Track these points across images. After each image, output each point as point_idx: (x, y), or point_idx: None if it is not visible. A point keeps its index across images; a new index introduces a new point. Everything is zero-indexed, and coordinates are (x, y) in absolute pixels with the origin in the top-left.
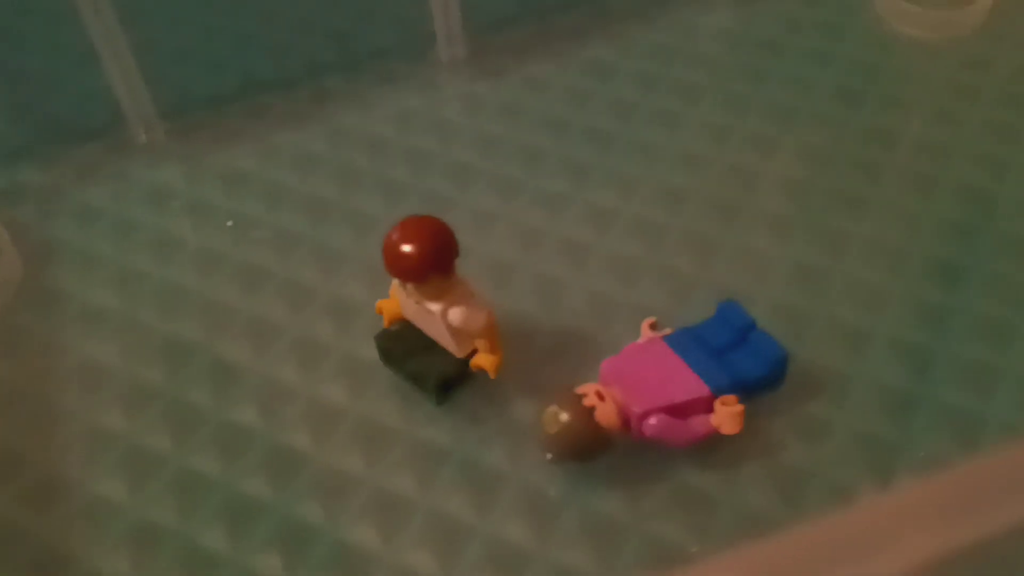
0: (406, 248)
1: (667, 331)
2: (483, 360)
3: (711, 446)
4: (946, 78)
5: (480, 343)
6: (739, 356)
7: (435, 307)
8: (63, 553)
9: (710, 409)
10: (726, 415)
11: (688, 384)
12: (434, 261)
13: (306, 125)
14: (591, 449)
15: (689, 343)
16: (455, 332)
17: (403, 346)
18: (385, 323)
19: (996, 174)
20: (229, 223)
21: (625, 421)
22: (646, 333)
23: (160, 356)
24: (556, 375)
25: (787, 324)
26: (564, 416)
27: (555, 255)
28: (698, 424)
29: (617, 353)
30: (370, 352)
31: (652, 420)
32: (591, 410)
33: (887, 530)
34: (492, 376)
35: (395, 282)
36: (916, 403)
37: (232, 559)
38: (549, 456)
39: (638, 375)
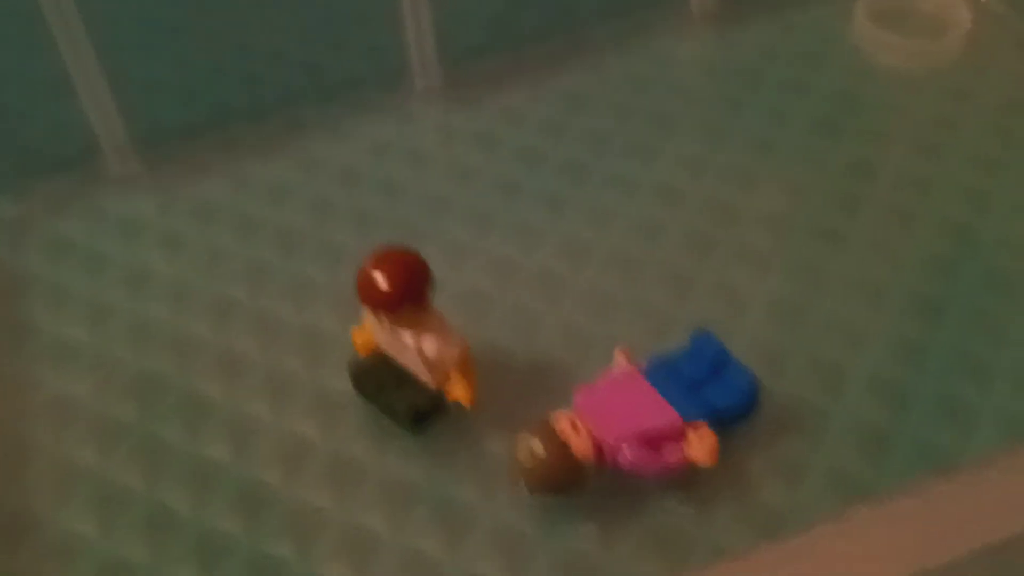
0: (380, 279)
1: (641, 362)
2: (458, 391)
3: (687, 480)
4: (926, 109)
5: (454, 374)
6: (712, 386)
7: (408, 337)
8: None
9: (683, 438)
10: (701, 447)
11: (661, 413)
12: (408, 292)
13: (279, 156)
14: (566, 483)
15: (663, 373)
16: (429, 363)
17: (377, 377)
18: (360, 352)
19: (978, 207)
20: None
21: (599, 451)
22: (620, 361)
23: (131, 391)
24: (531, 408)
25: (764, 359)
26: (538, 449)
27: (530, 288)
28: (672, 454)
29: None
30: (342, 385)
31: (626, 450)
32: (566, 443)
33: (847, 554)
34: (467, 406)
35: (369, 313)
36: (894, 439)
37: None
38: (521, 485)
39: (612, 404)
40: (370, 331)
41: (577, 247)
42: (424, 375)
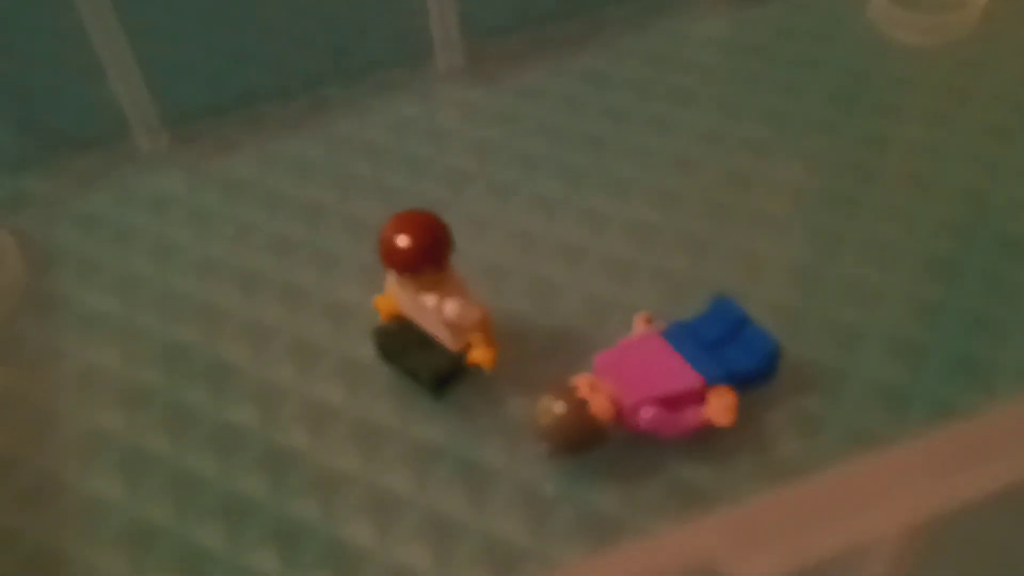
0: (401, 239)
1: (661, 325)
2: (479, 354)
3: (706, 439)
4: (939, 82)
5: (475, 337)
6: (732, 349)
7: (430, 300)
8: (59, 551)
9: (703, 400)
10: (719, 406)
11: (681, 375)
12: (428, 253)
13: (304, 133)
14: (585, 441)
15: (683, 336)
16: (450, 325)
17: (400, 341)
18: (382, 319)
19: (989, 174)
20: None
21: (619, 412)
22: (639, 327)
23: (158, 358)
24: (551, 372)
25: (782, 322)
26: (558, 408)
27: (550, 257)
28: (691, 415)
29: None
30: (366, 352)
31: (645, 411)
32: (585, 402)
33: (870, 493)
34: (488, 369)
35: (391, 278)
36: (911, 397)
37: (228, 556)
38: (544, 448)
39: (632, 367)
40: (393, 298)
41: (596, 217)
42: (445, 338)
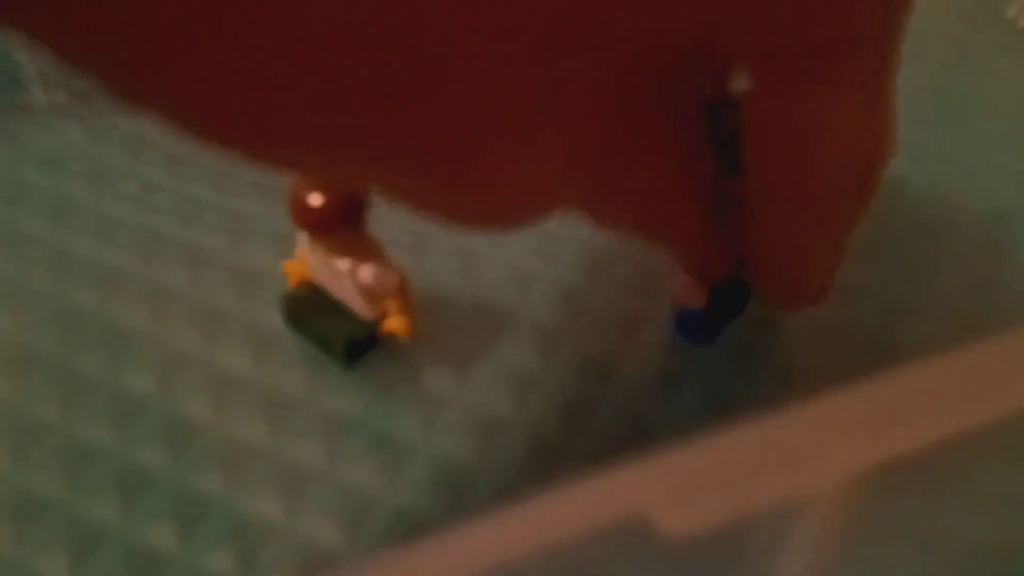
0: (313, 195)
1: None
2: (395, 322)
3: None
4: None
5: (391, 305)
6: None
7: (344, 264)
8: None
9: None
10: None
11: None
12: (342, 210)
13: None
14: None
15: None
16: (364, 292)
17: (309, 308)
18: (291, 285)
19: (908, 160)
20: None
21: None
22: None
23: (50, 323)
24: (470, 343)
25: None
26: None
27: None
28: None
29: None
30: (275, 320)
31: None
32: None
33: (810, 443)
34: (406, 337)
35: (303, 242)
36: (824, 376)
37: (121, 531)
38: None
39: None
40: (304, 263)
41: None
42: (359, 305)
